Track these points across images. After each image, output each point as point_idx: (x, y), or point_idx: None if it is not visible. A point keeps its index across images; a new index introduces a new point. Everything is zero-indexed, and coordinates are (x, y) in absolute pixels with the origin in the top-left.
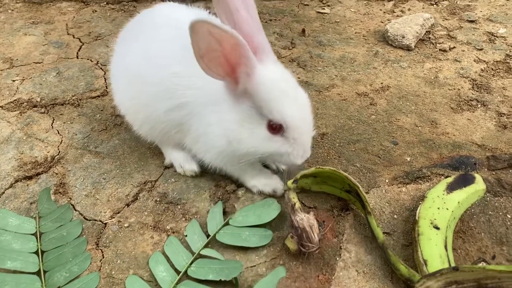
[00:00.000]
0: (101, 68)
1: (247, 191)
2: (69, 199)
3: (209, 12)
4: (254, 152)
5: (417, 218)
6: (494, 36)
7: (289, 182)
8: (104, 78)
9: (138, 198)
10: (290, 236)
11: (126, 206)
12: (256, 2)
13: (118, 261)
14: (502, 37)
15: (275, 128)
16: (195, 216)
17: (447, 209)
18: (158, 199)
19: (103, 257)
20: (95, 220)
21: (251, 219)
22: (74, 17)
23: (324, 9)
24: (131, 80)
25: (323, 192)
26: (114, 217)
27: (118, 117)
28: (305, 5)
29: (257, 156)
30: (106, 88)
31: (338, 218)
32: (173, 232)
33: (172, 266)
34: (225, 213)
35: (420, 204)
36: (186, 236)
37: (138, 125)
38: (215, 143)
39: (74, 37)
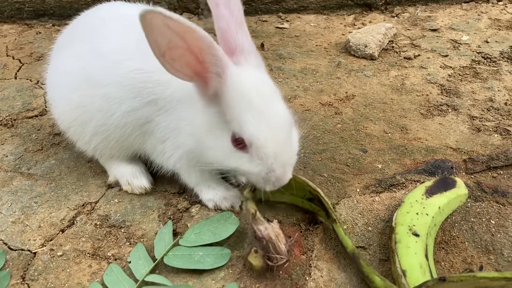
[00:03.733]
0: (41, 87)
1: (202, 208)
2: None
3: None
4: (216, 163)
5: (393, 224)
6: (458, 43)
7: (246, 191)
8: (44, 97)
9: (75, 222)
10: (254, 251)
11: (60, 232)
12: (210, 20)
13: None
14: (466, 43)
15: (239, 142)
16: (141, 240)
17: (427, 214)
18: (98, 223)
19: None
20: (22, 249)
21: (205, 237)
22: (15, 39)
23: (283, 24)
24: (76, 85)
25: (287, 205)
26: (45, 245)
27: (56, 136)
28: (263, 21)
29: (219, 168)
30: (46, 107)
31: (306, 233)
32: (115, 259)
33: None
34: (176, 234)
35: (396, 209)
36: (129, 262)
37: (86, 139)
38: (184, 141)
39: (13, 58)
